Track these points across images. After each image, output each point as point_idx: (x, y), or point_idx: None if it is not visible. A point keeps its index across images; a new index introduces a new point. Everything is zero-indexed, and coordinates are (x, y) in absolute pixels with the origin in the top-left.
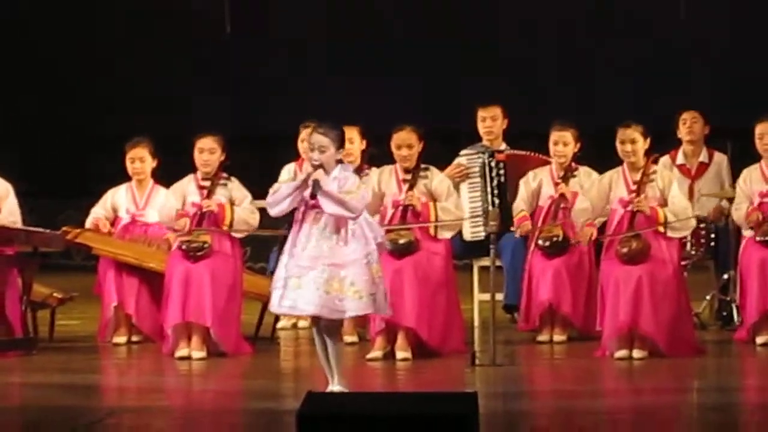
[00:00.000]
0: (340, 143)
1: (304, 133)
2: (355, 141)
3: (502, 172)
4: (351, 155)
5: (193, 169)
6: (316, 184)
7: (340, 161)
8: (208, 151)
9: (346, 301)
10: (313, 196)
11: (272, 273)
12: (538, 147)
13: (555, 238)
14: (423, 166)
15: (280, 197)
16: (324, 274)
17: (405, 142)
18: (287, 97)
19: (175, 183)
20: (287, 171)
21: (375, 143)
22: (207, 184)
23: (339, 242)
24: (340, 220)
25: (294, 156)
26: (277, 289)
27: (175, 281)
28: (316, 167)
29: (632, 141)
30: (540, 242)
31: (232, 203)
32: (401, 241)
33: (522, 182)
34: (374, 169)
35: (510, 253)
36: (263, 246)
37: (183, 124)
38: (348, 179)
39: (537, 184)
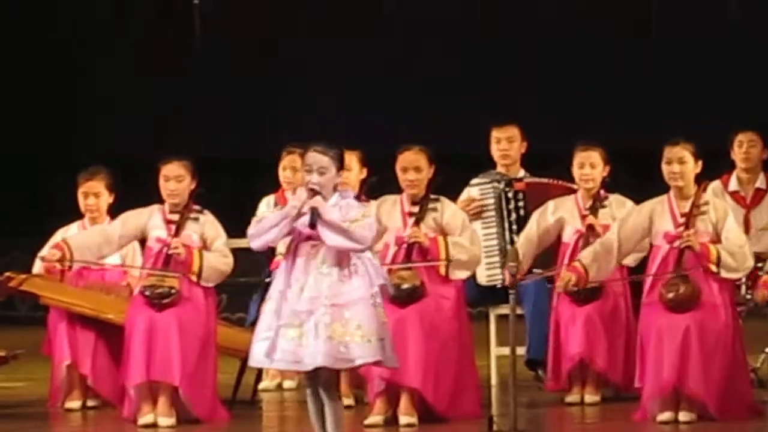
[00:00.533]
0: (341, 164)
1: (286, 160)
2: (353, 168)
3: (521, 203)
4: (348, 185)
5: (159, 200)
6: (315, 212)
7: (335, 188)
8: (174, 179)
9: (353, 347)
10: (312, 226)
11: (253, 324)
12: (563, 174)
13: None
14: (433, 196)
15: (266, 227)
16: (326, 317)
17: (412, 164)
18: (265, 117)
19: (137, 209)
20: (266, 204)
21: (375, 172)
22: (175, 217)
23: (341, 278)
24: (341, 253)
25: (274, 187)
26: (263, 340)
27: (137, 333)
28: (313, 193)
29: (681, 161)
30: (560, 287)
31: (204, 244)
32: (405, 286)
33: (535, 215)
34: (373, 202)
35: (532, 298)
36: (241, 293)
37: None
38: (351, 207)
39: (558, 217)
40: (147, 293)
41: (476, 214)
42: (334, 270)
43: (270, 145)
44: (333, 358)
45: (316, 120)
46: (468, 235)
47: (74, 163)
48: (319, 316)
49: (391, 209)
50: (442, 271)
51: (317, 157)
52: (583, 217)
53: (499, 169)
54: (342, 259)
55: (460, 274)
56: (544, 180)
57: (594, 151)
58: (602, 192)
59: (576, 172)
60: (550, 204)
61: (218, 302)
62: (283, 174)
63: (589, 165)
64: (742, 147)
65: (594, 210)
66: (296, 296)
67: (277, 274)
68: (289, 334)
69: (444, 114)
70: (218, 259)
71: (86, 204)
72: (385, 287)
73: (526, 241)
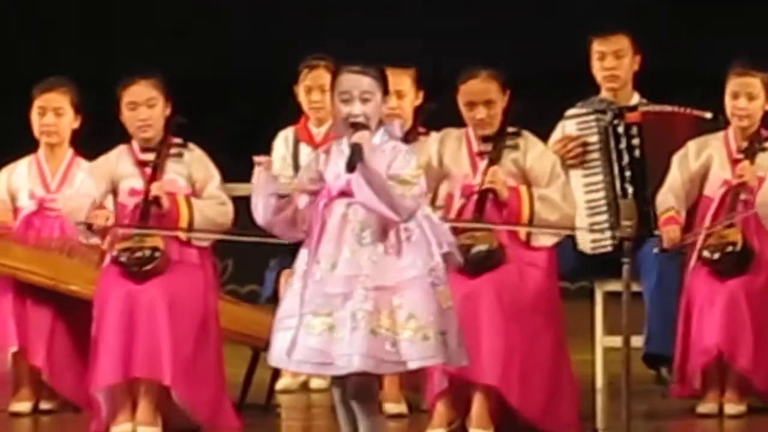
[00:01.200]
0: (386, 87)
1: (310, 77)
2: (406, 93)
3: (636, 141)
4: (400, 116)
5: (126, 136)
6: (357, 150)
7: (380, 122)
8: (144, 104)
9: (404, 346)
10: (350, 168)
11: (270, 301)
12: (695, 100)
13: (730, 248)
14: (511, 129)
15: (255, 203)
16: (367, 304)
17: (481, 96)
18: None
19: (99, 158)
20: (283, 141)
21: (434, 97)
22: (150, 157)
23: (388, 251)
24: (385, 219)
25: (293, 116)
26: (284, 330)
27: (111, 313)
28: (357, 126)
29: (750, 96)
30: (706, 254)
31: (192, 188)
32: (477, 249)
33: (676, 159)
34: (434, 135)
35: (656, 271)
36: (253, 258)
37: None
38: (399, 153)
39: (703, 161)
40: (122, 259)
41: (575, 158)
42: (378, 241)
43: (285, 59)
44: (376, 360)
45: (344, 26)
46: (559, 186)
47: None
48: (357, 302)
49: (456, 148)
50: (522, 235)
51: (356, 80)
52: (734, 163)
53: (604, 94)
54: (389, 223)
55: (545, 240)
56: (668, 108)
57: (753, 78)
58: (762, 131)
59: (728, 103)
60: (691, 145)
61: (221, 270)
62: (307, 98)
63: (746, 96)
64: None
65: (750, 153)
66: (327, 275)
67: (305, 242)
68: (316, 325)
69: (521, 20)
70: (213, 208)
71: (42, 123)
72: (451, 255)
73: (671, 193)
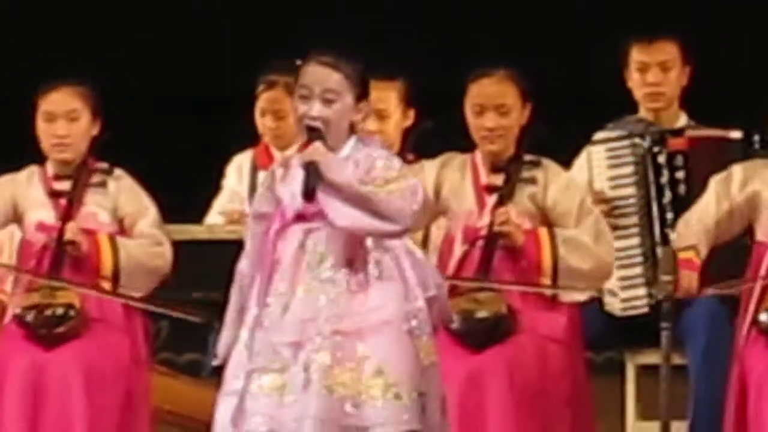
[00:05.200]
0: (362, 89)
1: (264, 99)
2: (391, 108)
3: (681, 174)
4: (383, 134)
5: (38, 155)
6: (313, 169)
7: (351, 129)
8: (64, 117)
9: (368, 407)
10: (307, 194)
11: (214, 373)
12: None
13: None
14: (529, 157)
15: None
16: (322, 355)
17: (493, 100)
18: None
19: (4, 176)
20: (236, 169)
21: (429, 113)
22: (66, 186)
23: (352, 288)
24: (353, 243)
25: (249, 138)
26: (229, 394)
27: (12, 387)
28: (312, 133)
29: None
30: (763, 319)
31: (119, 225)
32: (481, 314)
33: (714, 183)
34: (427, 163)
35: (703, 337)
36: (193, 321)
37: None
38: (375, 158)
39: (750, 193)
40: (28, 319)
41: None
42: (341, 273)
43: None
44: (332, 424)
45: (322, 27)
46: (590, 225)
47: None
48: (311, 351)
49: (459, 178)
50: (546, 289)
51: (321, 73)
52: None
53: (643, 114)
54: (355, 253)
55: (577, 296)
56: (719, 132)
57: None
58: None
59: None
60: (737, 170)
61: (154, 333)
62: (261, 121)
63: None
64: None
65: None
66: (276, 321)
67: (256, 281)
68: (265, 384)
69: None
70: (145, 250)
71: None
72: (438, 300)
73: (698, 225)
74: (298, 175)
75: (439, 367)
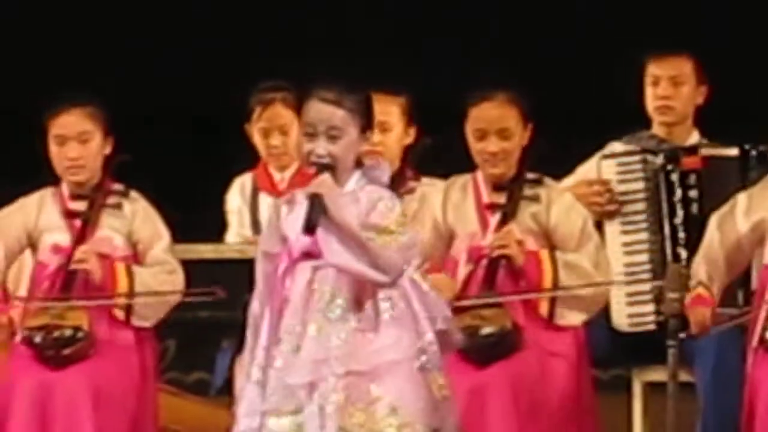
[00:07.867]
0: (368, 120)
1: (264, 118)
2: (393, 121)
3: (694, 193)
4: (382, 152)
5: (52, 176)
6: (316, 203)
7: (358, 162)
8: (75, 139)
9: None
10: (309, 228)
11: (221, 392)
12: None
13: None
14: (531, 176)
15: None
16: (336, 395)
17: (494, 124)
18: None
19: (12, 204)
20: (238, 191)
21: (431, 130)
22: (81, 206)
23: (363, 327)
24: (360, 282)
25: (247, 160)
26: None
27: (21, 406)
28: (320, 167)
29: None
30: None
31: (133, 250)
32: (486, 331)
33: (715, 218)
34: (428, 184)
35: (712, 356)
36: (200, 338)
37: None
38: (379, 202)
39: (757, 221)
40: (37, 340)
41: (610, 212)
42: (350, 314)
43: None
44: None
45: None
46: (590, 250)
47: None
48: (325, 391)
49: (461, 199)
50: (543, 310)
51: (325, 111)
52: None
53: (656, 130)
54: (364, 290)
55: (574, 318)
56: (735, 151)
57: None
58: None
59: None
60: (741, 198)
61: (161, 353)
62: (264, 142)
63: None
64: None
65: None
66: (289, 361)
67: (265, 317)
68: (280, 427)
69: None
70: (160, 278)
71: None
72: (447, 334)
73: (706, 264)
74: (302, 212)
75: (453, 400)
